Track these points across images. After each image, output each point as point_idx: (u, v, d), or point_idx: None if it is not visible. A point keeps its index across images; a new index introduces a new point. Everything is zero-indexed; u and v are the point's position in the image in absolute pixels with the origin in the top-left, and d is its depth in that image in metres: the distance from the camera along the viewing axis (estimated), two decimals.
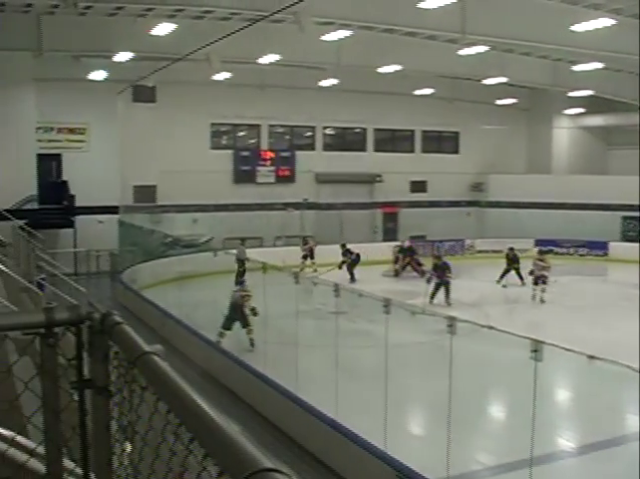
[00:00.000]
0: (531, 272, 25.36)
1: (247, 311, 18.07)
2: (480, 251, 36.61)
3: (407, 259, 30.94)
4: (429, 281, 24.76)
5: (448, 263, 25.10)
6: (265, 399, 13.92)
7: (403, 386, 14.03)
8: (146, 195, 31.91)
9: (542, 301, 24.60)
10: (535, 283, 25.03)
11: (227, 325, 18.10)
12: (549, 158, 41.71)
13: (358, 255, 29.66)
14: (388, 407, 10.73)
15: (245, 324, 18.10)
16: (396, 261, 31.05)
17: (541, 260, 25.56)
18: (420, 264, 30.60)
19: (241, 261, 24.73)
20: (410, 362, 16.42)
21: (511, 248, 28.81)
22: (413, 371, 16.01)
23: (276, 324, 19.11)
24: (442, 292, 24.35)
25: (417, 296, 24.57)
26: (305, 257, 30.87)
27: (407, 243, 31.99)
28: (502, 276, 27.92)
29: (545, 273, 24.93)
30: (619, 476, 10.93)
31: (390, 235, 37.48)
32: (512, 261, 28.36)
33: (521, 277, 27.46)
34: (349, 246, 30.04)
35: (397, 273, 30.89)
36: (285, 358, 14.50)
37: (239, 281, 21.10)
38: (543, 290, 24.74)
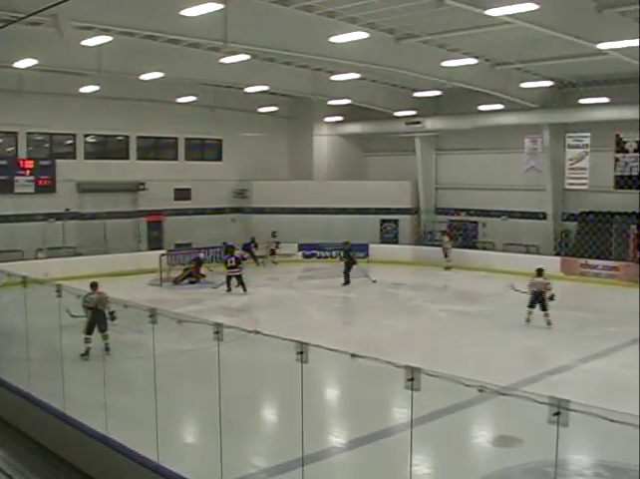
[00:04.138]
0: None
1: (107, 314, 17.80)
2: (244, 258, 37.02)
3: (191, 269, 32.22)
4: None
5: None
6: (32, 420, 13.33)
7: (174, 396, 13.95)
8: None
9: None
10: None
11: (89, 331, 17.95)
12: (311, 164, 42.83)
13: None
14: (160, 418, 10.61)
15: (105, 328, 17.97)
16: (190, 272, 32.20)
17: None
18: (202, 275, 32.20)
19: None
20: (180, 371, 16.35)
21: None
22: (183, 380, 15.95)
23: (40, 340, 18.42)
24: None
25: (186, 304, 24.58)
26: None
27: (202, 255, 33.58)
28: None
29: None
30: (387, 466, 11.40)
31: (155, 243, 37.08)
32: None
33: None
34: None
35: (176, 281, 31.66)
36: (51, 375, 13.98)
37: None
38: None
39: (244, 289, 28.59)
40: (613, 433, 5.78)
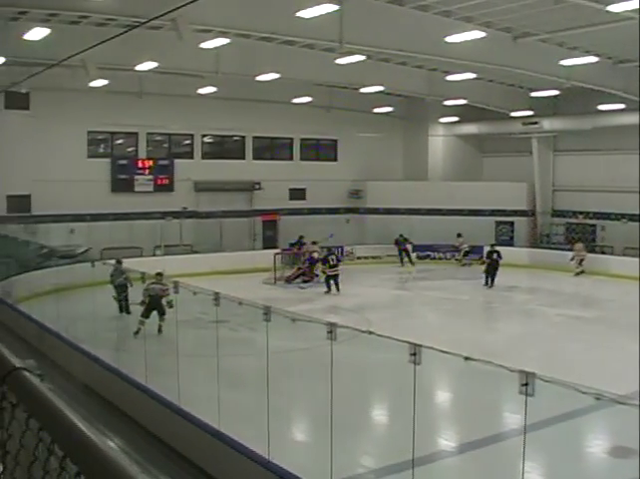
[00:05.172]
0: None
1: (164, 303, 19.60)
2: (359, 258, 37.06)
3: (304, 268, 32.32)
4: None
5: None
6: (149, 412, 13.66)
7: (285, 393, 14.07)
8: (20, 204, 30.98)
9: None
10: None
11: (146, 315, 19.68)
12: (425, 165, 42.54)
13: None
14: (271, 415, 10.72)
15: (163, 313, 19.84)
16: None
17: None
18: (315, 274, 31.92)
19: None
20: (292, 369, 16.47)
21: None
22: (295, 378, 16.07)
23: (156, 334, 18.96)
24: None
25: (298, 303, 24.77)
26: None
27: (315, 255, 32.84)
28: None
29: None
30: (497, 472, 11.23)
31: (270, 242, 37.48)
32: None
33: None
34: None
35: (288, 280, 31.75)
36: (167, 369, 14.31)
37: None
38: None
39: (338, 289, 28.47)
40: None
